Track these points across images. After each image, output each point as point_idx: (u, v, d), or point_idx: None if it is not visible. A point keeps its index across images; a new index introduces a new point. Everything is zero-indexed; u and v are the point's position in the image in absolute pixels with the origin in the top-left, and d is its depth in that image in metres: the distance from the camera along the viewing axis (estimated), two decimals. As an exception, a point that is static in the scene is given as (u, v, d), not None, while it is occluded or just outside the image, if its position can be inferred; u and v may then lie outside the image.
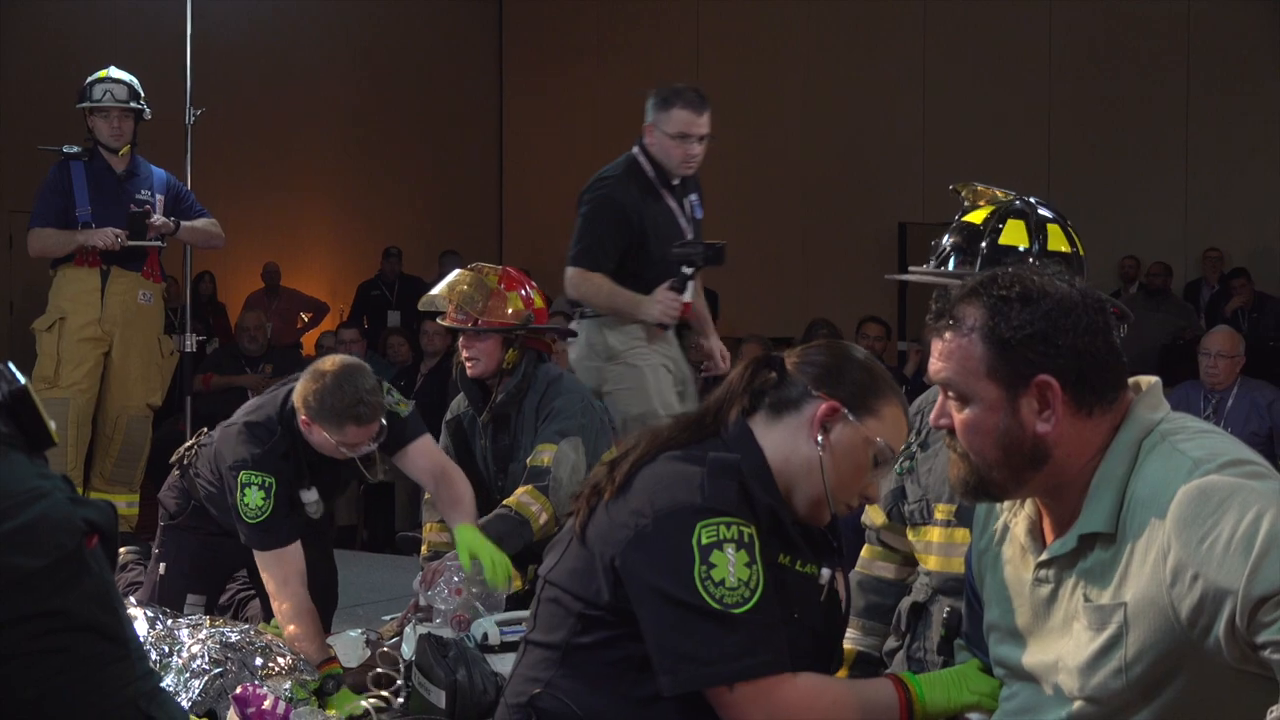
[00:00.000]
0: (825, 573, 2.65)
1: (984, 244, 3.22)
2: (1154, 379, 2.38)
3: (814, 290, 13.48)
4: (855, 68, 13.72)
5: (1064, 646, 2.32)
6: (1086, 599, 2.29)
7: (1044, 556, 2.36)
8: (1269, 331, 11.20)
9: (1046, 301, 2.28)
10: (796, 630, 2.56)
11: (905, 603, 3.29)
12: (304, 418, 4.25)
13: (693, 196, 5.71)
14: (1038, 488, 2.34)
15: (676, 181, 5.61)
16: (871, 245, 13.53)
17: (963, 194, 3.31)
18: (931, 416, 2.42)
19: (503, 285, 4.85)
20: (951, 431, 2.36)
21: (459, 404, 4.99)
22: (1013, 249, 3.23)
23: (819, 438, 2.61)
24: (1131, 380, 2.35)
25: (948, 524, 3.24)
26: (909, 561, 3.44)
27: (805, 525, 2.67)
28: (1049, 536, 2.38)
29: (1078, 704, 2.30)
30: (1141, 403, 2.32)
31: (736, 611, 2.44)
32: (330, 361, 4.30)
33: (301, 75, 13.65)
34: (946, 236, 3.28)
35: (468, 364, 4.82)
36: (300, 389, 4.27)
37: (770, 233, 13.80)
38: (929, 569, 3.28)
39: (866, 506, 3.35)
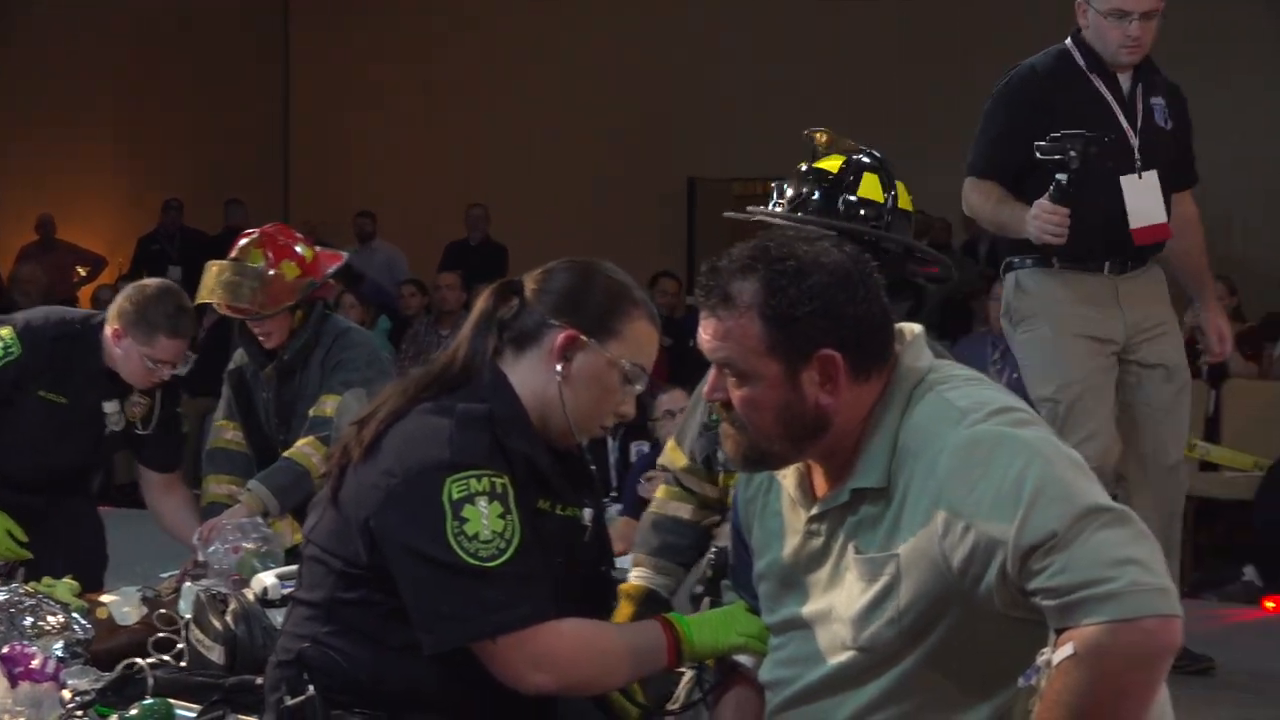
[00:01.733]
0: (588, 513, 2.64)
1: (843, 197, 3.24)
2: (917, 328, 2.41)
3: (603, 242, 13.45)
4: (646, 19, 13.73)
5: (836, 598, 2.35)
6: (858, 551, 2.32)
7: (815, 510, 2.38)
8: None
9: (822, 274, 2.29)
10: (562, 575, 2.55)
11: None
12: (116, 327, 4.31)
13: (1158, 99, 4.73)
14: (815, 454, 2.36)
15: (1126, 75, 4.70)
16: (661, 198, 13.59)
17: (818, 139, 3.32)
18: (705, 391, 2.41)
19: (271, 257, 4.64)
20: (726, 405, 2.35)
21: (241, 355, 4.89)
22: (871, 202, 3.26)
23: (560, 367, 2.57)
24: (894, 328, 2.38)
25: None
26: (705, 505, 3.45)
27: (566, 458, 2.65)
28: (819, 489, 2.41)
29: (849, 654, 2.33)
30: (907, 353, 2.36)
31: (492, 565, 2.42)
32: (149, 280, 4.44)
33: (70, 8, 13.14)
34: (797, 182, 3.29)
35: (262, 339, 4.71)
36: (117, 303, 4.35)
37: (563, 182, 13.76)
38: None
39: (666, 448, 3.36)
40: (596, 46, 13.85)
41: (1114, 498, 3.82)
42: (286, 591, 3.89)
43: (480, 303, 2.68)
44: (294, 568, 4.05)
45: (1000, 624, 2.21)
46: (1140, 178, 4.61)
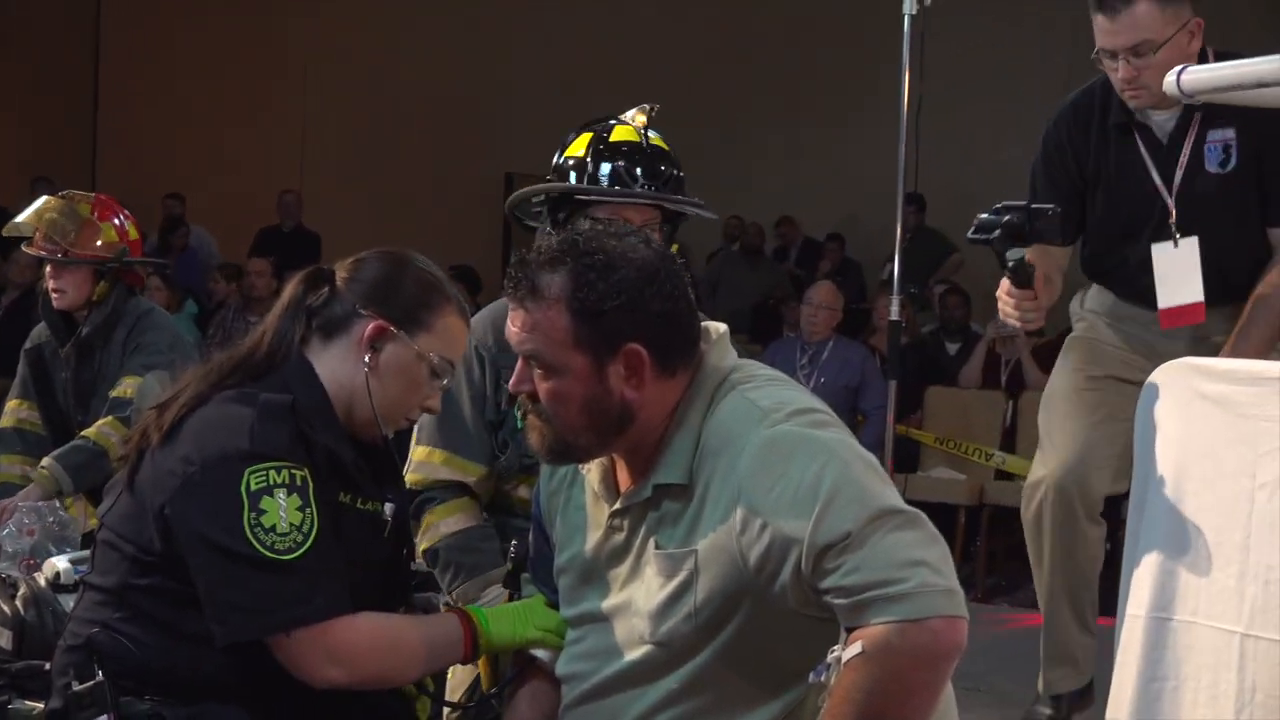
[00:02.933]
0: (389, 508, 2.62)
1: (675, 171, 3.28)
2: (722, 327, 2.44)
3: (419, 235, 13.38)
4: (466, 11, 13.68)
5: (635, 592, 2.38)
6: (658, 546, 2.34)
7: (618, 505, 2.40)
8: (852, 294, 11.71)
9: (629, 269, 2.30)
10: (360, 569, 2.53)
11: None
12: None
13: (1219, 133, 3.82)
14: (619, 448, 2.38)
15: (1168, 113, 3.83)
16: (478, 194, 13.54)
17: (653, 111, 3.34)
18: (511, 383, 2.41)
19: (96, 214, 4.69)
20: (532, 397, 2.36)
21: (40, 333, 4.80)
22: (662, 152, 3.30)
23: (367, 358, 2.56)
24: (700, 326, 2.40)
25: None
26: (481, 508, 3.40)
27: (370, 450, 2.63)
28: (623, 484, 2.43)
29: (646, 648, 2.36)
30: (712, 353, 2.39)
31: (288, 558, 2.39)
32: None
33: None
34: (627, 161, 3.26)
35: (54, 295, 4.63)
36: None
37: (377, 176, 13.66)
38: None
39: (441, 462, 3.29)
40: (416, 37, 13.76)
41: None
42: (79, 576, 3.82)
43: (289, 289, 2.65)
44: (87, 552, 3.98)
45: (793, 622, 2.25)
46: (1176, 245, 3.82)
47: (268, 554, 2.38)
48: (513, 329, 2.35)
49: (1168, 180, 3.84)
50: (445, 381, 2.66)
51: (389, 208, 13.52)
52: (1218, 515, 2.75)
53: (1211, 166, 3.82)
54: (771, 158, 12.99)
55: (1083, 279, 4.21)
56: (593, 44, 13.31)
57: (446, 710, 2.97)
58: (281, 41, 14.14)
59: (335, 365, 2.58)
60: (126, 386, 4.54)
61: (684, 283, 2.36)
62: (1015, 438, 8.39)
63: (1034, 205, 3.40)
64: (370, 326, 2.57)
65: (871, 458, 2.26)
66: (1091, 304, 4.15)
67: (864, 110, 11.61)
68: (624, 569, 2.41)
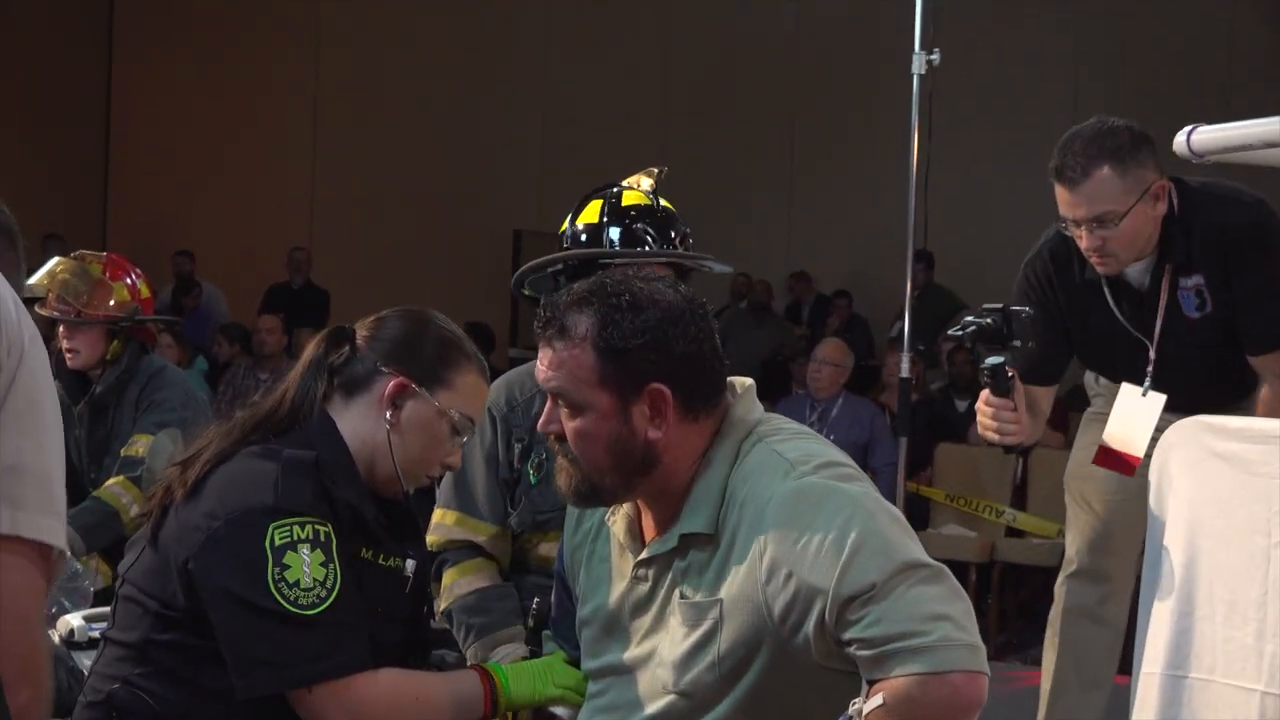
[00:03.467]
0: (410, 564, 2.63)
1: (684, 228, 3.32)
2: (748, 381, 2.46)
3: (426, 293, 13.45)
4: (477, 71, 13.76)
5: (659, 642, 2.38)
6: (683, 596, 2.35)
7: (644, 555, 2.41)
8: (860, 351, 11.73)
9: (655, 310, 2.32)
10: (382, 625, 2.54)
11: (536, 604, 3.27)
12: None
13: (1191, 280, 3.80)
14: (645, 491, 2.38)
15: (1141, 265, 3.80)
16: (486, 251, 13.58)
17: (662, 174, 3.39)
18: (540, 423, 2.43)
19: (107, 274, 4.70)
20: (560, 438, 2.38)
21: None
22: (676, 217, 3.35)
23: (389, 415, 2.58)
24: (726, 376, 2.42)
25: None
26: (503, 571, 3.38)
27: (391, 507, 2.64)
28: (648, 534, 2.43)
29: (669, 698, 2.36)
30: (739, 405, 2.40)
31: (311, 613, 2.41)
32: None
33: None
34: (639, 222, 3.31)
35: (68, 355, 4.65)
36: None
37: (386, 233, 13.70)
38: None
39: (454, 523, 3.30)
40: (426, 95, 13.83)
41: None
42: (94, 633, 3.82)
43: (310, 348, 2.67)
44: (102, 609, 3.97)
45: (815, 674, 2.26)
46: (1144, 395, 3.80)
47: (291, 609, 2.40)
48: (541, 367, 2.38)
49: (1147, 331, 3.83)
50: (465, 439, 2.67)
51: (398, 265, 13.56)
52: (1233, 573, 2.77)
53: (1189, 312, 3.80)
54: (779, 215, 13.04)
55: None
56: (602, 103, 13.38)
57: None
58: (293, 99, 14.22)
59: (357, 422, 2.59)
60: (139, 445, 4.54)
61: (710, 328, 2.38)
62: (1026, 495, 8.39)
63: (1010, 308, 3.40)
64: (392, 384, 2.59)
65: (896, 512, 2.27)
66: (1105, 379, 4.17)
67: (873, 168, 11.69)
68: (648, 620, 2.41)
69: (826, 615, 2.17)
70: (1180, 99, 10.14)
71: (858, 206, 12.40)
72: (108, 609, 3.86)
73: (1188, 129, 3.16)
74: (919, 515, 8.21)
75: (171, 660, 2.50)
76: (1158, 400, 3.77)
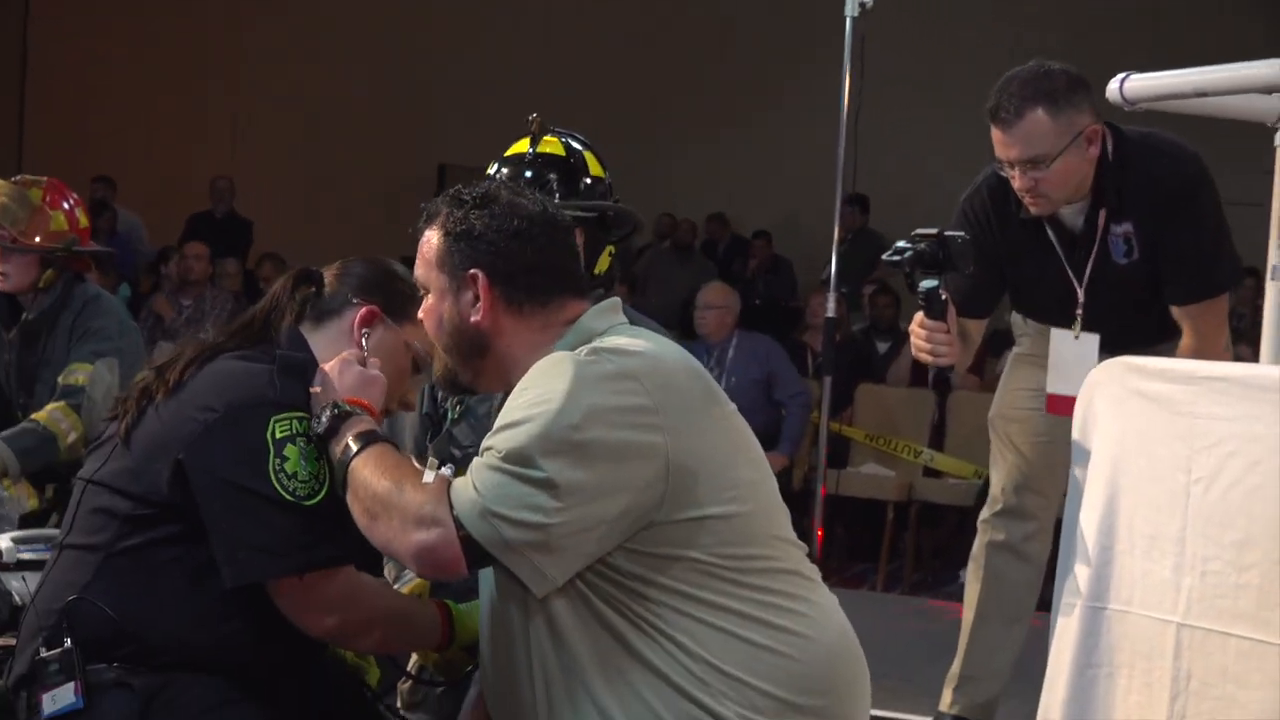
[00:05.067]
0: None
1: (582, 179, 3.35)
2: (615, 298, 2.60)
3: (350, 227, 13.38)
4: (410, 4, 13.67)
5: None
6: None
7: None
8: (783, 291, 11.81)
9: (500, 206, 2.51)
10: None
11: None
12: None
13: (1121, 226, 3.88)
14: (493, 378, 2.53)
15: (1076, 206, 3.89)
16: (411, 185, 13.52)
17: (534, 125, 3.39)
18: (418, 311, 2.59)
19: (46, 200, 4.63)
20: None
21: (-17, 316, 4.76)
22: (600, 179, 3.36)
23: (361, 341, 2.69)
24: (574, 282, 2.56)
25: None
26: None
27: None
28: None
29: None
30: (590, 314, 2.52)
31: (308, 503, 2.50)
32: None
33: None
34: (529, 168, 3.33)
35: None
36: None
37: (310, 165, 13.61)
38: None
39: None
40: (349, 26, 13.72)
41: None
42: (23, 555, 3.82)
43: (276, 287, 2.77)
44: (32, 531, 3.98)
45: None
46: (1077, 338, 3.91)
47: (289, 498, 2.49)
48: None
49: (1078, 272, 3.91)
50: (422, 376, 2.78)
51: (321, 197, 13.49)
52: (1154, 509, 2.85)
53: (1118, 258, 3.89)
54: (707, 154, 13.05)
55: None
56: (526, 36, 13.33)
57: (401, 682, 3.04)
58: (213, 27, 14.06)
59: (326, 347, 2.68)
60: (78, 374, 4.50)
61: (563, 242, 2.55)
62: (944, 435, 8.50)
63: (946, 233, 3.44)
64: (364, 310, 2.70)
65: (577, 440, 2.31)
66: (1033, 320, 4.26)
67: (807, 109, 11.73)
68: None
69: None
70: (1115, 47, 10.25)
71: (792, 148, 12.44)
72: (36, 531, 3.89)
73: (1120, 76, 3.22)
74: (839, 454, 8.31)
75: (136, 568, 2.54)
76: (1092, 340, 3.87)
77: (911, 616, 6.94)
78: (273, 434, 2.50)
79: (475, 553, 2.30)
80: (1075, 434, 3.07)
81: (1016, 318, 4.35)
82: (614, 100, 12.69)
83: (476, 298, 2.48)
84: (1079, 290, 3.92)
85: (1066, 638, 2.99)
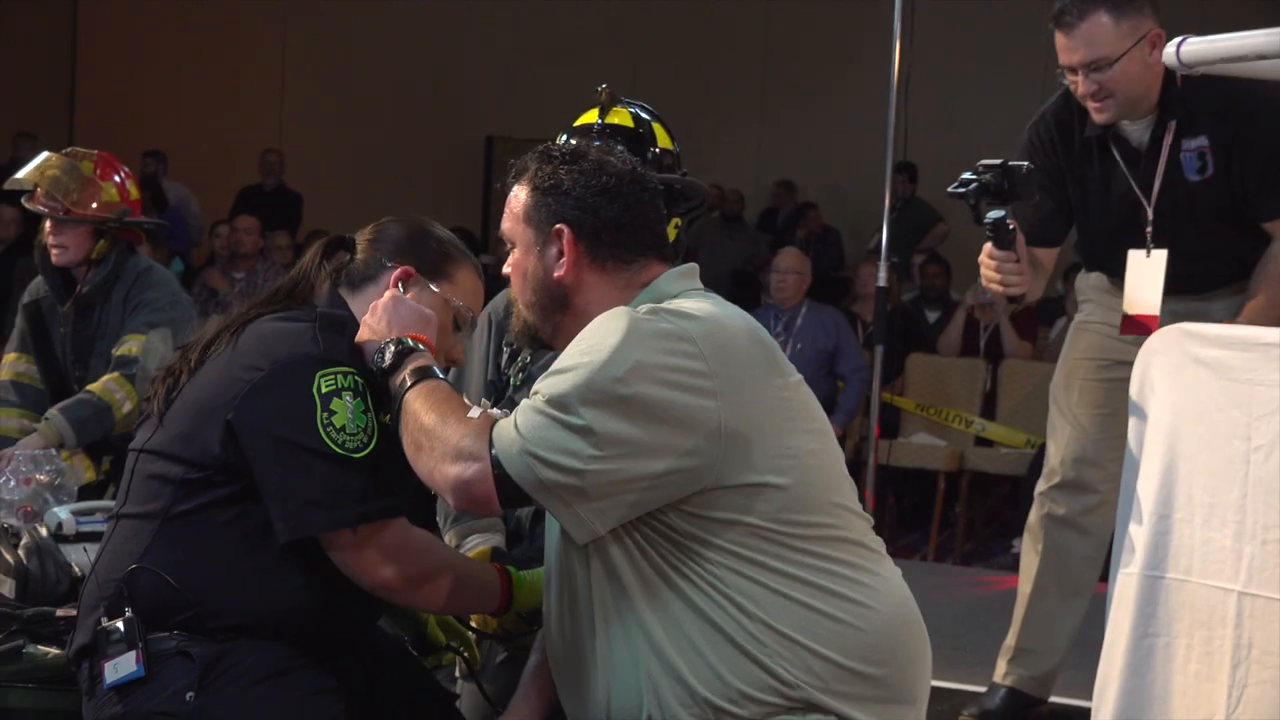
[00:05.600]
0: None
1: (649, 150, 3.34)
2: (691, 264, 2.60)
3: (399, 197, 13.40)
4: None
5: None
6: None
7: None
8: (831, 261, 11.77)
9: (588, 163, 2.53)
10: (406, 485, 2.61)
11: (525, 510, 3.34)
12: None
13: (1194, 142, 3.87)
14: (571, 335, 2.48)
15: (1142, 122, 3.90)
16: (459, 157, 13.53)
17: (604, 94, 3.38)
18: (503, 268, 2.60)
19: (98, 173, 4.67)
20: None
21: (39, 287, 4.80)
22: (668, 150, 3.35)
23: None
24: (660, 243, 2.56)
25: None
26: None
27: None
28: None
29: (558, 536, 2.50)
30: (666, 277, 2.53)
31: (358, 456, 2.51)
32: None
33: None
34: (595, 140, 3.32)
35: (54, 251, 4.64)
36: None
37: (358, 138, 13.63)
38: None
39: None
40: (399, 1, 13.73)
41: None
42: (82, 527, 3.85)
43: (309, 253, 2.77)
44: (89, 504, 4.01)
45: None
46: (1148, 255, 3.85)
47: (340, 451, 2.49)
48: None
49: (1146, 190, 3.91)
50: (466, 333, 2.77)
51: (370, 169, 13.51)
52: (1213, 477, 2.82)
53: (1190, 175, 3.88)
54: (753, 124, 13.01)
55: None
56: (576, 8, 13.29)
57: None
58: (259, 2, 14.09)
59: (363, 311, 2.67)
60: (131, 344, 4.54)
61: (648, 201, 2.55)
62: (995, 404, 8.46)
63: (1010, 163, 3.45)
64: (398, 272, 2.69)
65: (622, 394, 2.31)
66: (1095, 280, 4.21)
67: (854, 77, 11.67)
68: None
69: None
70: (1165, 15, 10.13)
71: (838, 117, 12.38)
72: (95, 503, 3.92)
73: (1177, 40, 3.19)
74: (890, 424, 8.28)
75: (192, 532, 2.55)
76: (1160, 258, 3.84)
77: (963, 586, 6.92)
78: (318, 389, 2.51)
79: (510, 491, 2.32)
80: (1132, 403, 3.05)
81: (1080, 282, 4.32)
82: (662, 71, 12.65)
83: (561, 253, 2.50)
84: (1148, 208, 3.89)
85: (1124, 607, 2.97)
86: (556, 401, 2.29)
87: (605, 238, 2.50)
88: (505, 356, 3.37)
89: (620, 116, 3.38)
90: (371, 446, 2.52)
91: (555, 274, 2.51)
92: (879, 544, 2.49)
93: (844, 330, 8.18)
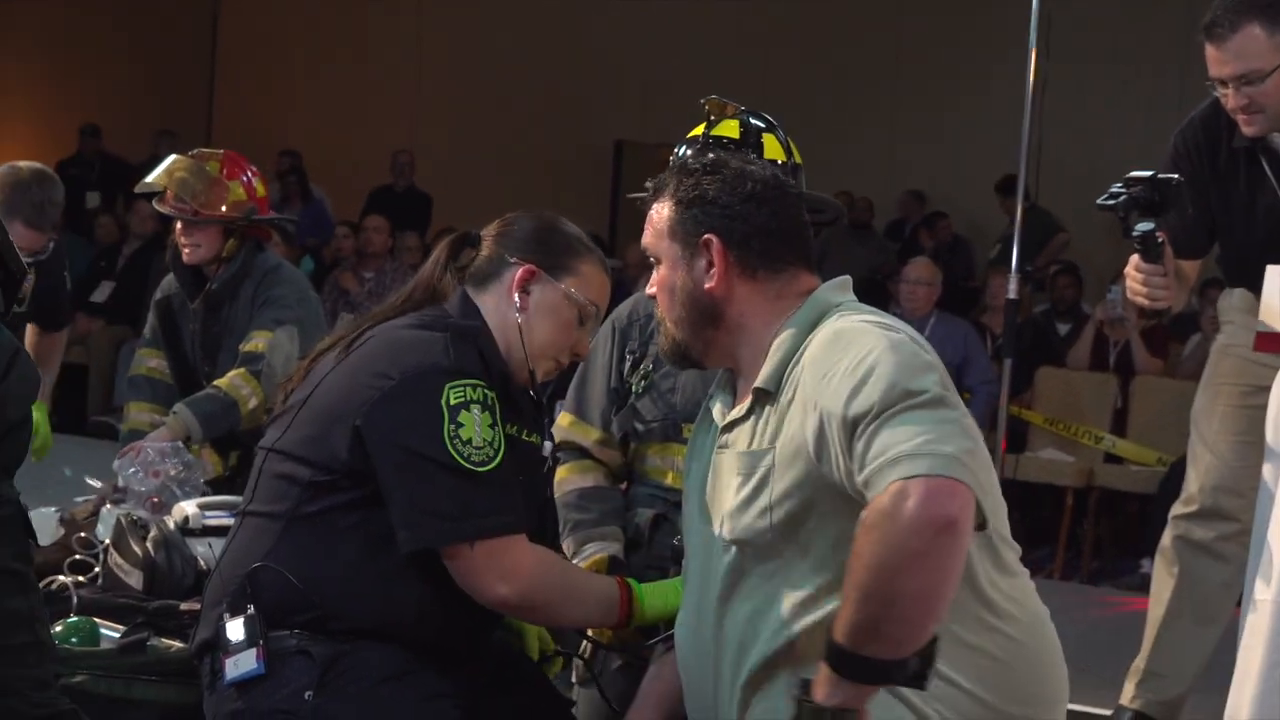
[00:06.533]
0: (548, 445, 2.79)
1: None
2: (845, 276, 2.54)
3: (527, 202, 13.45)
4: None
5: (724, 499, 2.43)
6: (743, 450, 2.40)
7: (724, 421, 2.48)
8: (961, 272, 11.64)
9: (729, 172, 2.48)
10: (523, 496, 2.62)
11: (645, 515, 3.33)
12: None
13: None
14: (725, 352, 2.47)
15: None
16: (588, 161, 13.57)
17: (711, 105, 3.36)
18: (646, 288, 2.56)
19: (224, 173, 4.71)
20: (654, 298, 2.53)
21: (169, 284, 4.87)
22: (775, 162, 3.32)
23: (518, 300, 2.70)
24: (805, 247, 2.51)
25: None
26: (613, 475, 3.46)
27: (525, 391, 2.74)
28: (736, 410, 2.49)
29: (731, 551, 2.39)
30: (827, 287, 2.48)
31: (482, 470, 2.51)
32: (26, 163, 4.61)
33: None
34: (701, 150, 3.30)
35: (185, 250, 4.70)
36: None
37: (489, 141, 13.70)
38: (668, 484, 3.29)
39: (568, 425, 3.37)
40: (531, 4, 13.78)
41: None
42: (208, 521, 3.90)
43: (436, 252, 2.79)
44: (216, 498, 4.06)
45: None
46: None
47: (465, 464, 2.50)
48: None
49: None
50: (590, 326, 2.79)
51: (499, 172, 13.58)
52: (1353, 503, 2.74)
53: None
54: (882, 132, 12.91)
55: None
56: (708, 13, 13.27)
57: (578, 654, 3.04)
58: (396, 5, 14.22)
59: (489, 310, 2.70)
60: (258, 341, 4.57)
61: (793, 207, 2.50)
62: (1126, 421, 8.32)
63: (1159, 175, 3.39)
64: (521, 270, 2.71)
65: (934, 361, 2.29)
66: (1238, 302, 4.10)
67: (979, 86, 11.54)
68: (723, 485, 2.45)
69: (840, 442, 2.20)
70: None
71: (960, 125, 12.25)
72: (221, 498, 3.97)
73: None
74: (1018, 438, 8.17)
75: (317, 533, 2.57)
76: None
77: (1090, 606, 6.80)
78: (447, 400, 2.51)
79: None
80: (1269, 428, 2.97)
81: (1223, 302, 4.21)
82: (792, 77, 12.60)
83: (710, 264, 2.45)
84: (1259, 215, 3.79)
85: (1256, 635, 2.89)
86: (894, 396, 2.16)
87: (755, 245, 2.45)
88: (628, 364, 3.36)
89: (728, 128, 3.35)
90: (496, 461, 2.52)
91: (705, 286, 2.45)
92: (1025, 572, 2.40)
93: (973, 342, 8.10)
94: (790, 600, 2.32)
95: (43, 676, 2.61)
